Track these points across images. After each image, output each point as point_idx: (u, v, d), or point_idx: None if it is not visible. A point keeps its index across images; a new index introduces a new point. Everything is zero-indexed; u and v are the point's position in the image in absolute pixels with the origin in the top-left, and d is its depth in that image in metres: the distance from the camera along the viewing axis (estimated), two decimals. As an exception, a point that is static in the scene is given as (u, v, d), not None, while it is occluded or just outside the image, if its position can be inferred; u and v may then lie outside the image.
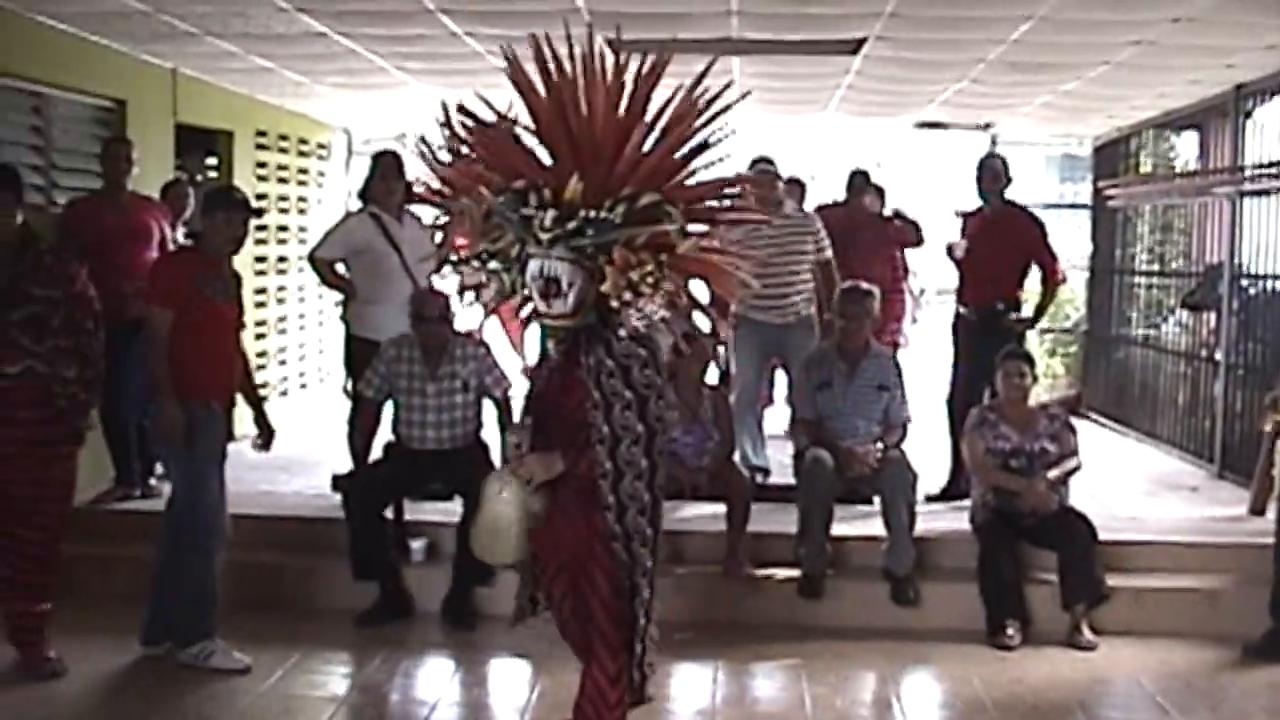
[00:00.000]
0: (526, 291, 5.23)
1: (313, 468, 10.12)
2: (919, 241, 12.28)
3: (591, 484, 5.35)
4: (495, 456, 8.34)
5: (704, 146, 5.33)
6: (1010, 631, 7.81)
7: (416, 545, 8.49)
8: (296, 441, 10.39)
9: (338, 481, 8.98)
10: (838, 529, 8.29)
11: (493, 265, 5.24)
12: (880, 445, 8.28)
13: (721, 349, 9.98)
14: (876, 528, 8.24)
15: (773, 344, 9.67)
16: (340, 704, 6.91)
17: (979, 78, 10.78)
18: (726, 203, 5.61)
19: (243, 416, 7.74)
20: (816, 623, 8.04)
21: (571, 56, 5.23)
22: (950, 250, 10.03)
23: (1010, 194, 9.75)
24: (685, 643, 7.74)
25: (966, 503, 8.60)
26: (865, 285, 8.71)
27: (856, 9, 8.43)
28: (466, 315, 10.58)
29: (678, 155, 5.27)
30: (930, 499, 9.16)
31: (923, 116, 13.72)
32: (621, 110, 5.18)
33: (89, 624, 7.69)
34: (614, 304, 5.14)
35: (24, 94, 9.20)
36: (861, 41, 9.33)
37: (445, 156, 5.43)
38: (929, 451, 9.47)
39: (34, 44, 8.95)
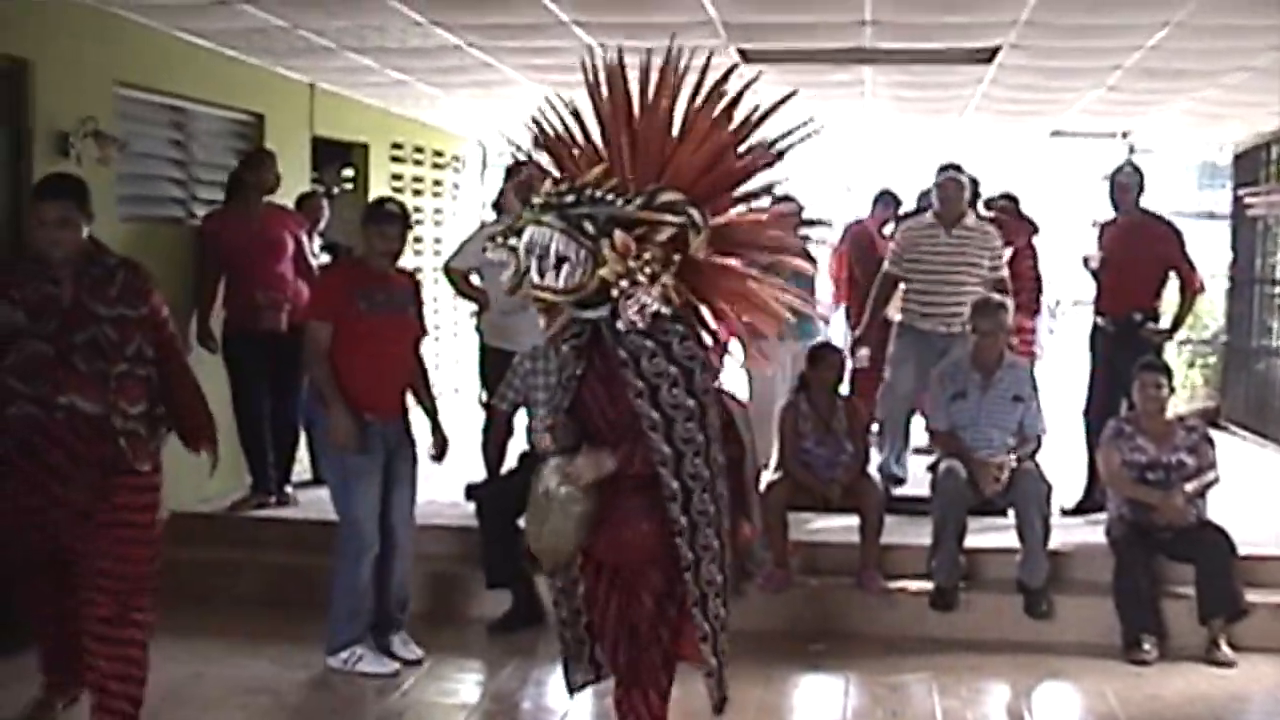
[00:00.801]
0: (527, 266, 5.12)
1: (447, 477, 10.20)
2: (1034, 231, 12.10)
3: (648, 478, 5.26)
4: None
5: (762, 165, 5.35)
6: (1146, 646, 7.71)
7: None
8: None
9: (472, 491, 9.03)
10: (971, 541, 8.23)
11: (512, 242, 5.12)
12: (1014, 457, 8.21)
13: (863, 352, 9.98)
14: (1010, 540, 8.16)
15: (936, 354, 9.35)
16: (472, 711, 6.96)
17: (1116, 85, 10.66)
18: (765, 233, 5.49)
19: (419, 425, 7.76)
20: (949, 635, 7.98)
21: (650, 68, 5.23)
22: (1086, 261, 9.92)
23: (1147, 203, 9.62)
24: (818, 654, 7.75)
25: (1102, 516, 8.49)
26: (998, 297, 8.65)
27: (991, 18, 8.37)
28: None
29: (725, 168, 5.24)
30: (1066, 512, 9.06)
31: (1058, 125, 13.60)
32: (681, 123, 5.18)
33: (222, 628, 7.84)
34: (614, 292, 4.99)
35: (165, 108, 9.36)
36: (996, 50, 9.26)
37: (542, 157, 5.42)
38: (1065, 464, 9.38)
39: (175, 60, 9.11)
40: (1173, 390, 8.36)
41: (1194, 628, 7.86)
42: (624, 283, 4.92)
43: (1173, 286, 9.52)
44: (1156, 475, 8.06)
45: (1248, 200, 13.68)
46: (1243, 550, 7.95)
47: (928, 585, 8.15)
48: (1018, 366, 8.58)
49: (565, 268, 4.97)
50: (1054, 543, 8.17)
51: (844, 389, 8.78)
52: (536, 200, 5.04)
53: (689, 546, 5.45)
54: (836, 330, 12.35)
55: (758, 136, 5.34)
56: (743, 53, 9.55)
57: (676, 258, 4.99)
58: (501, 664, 7.58)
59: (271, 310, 9.04)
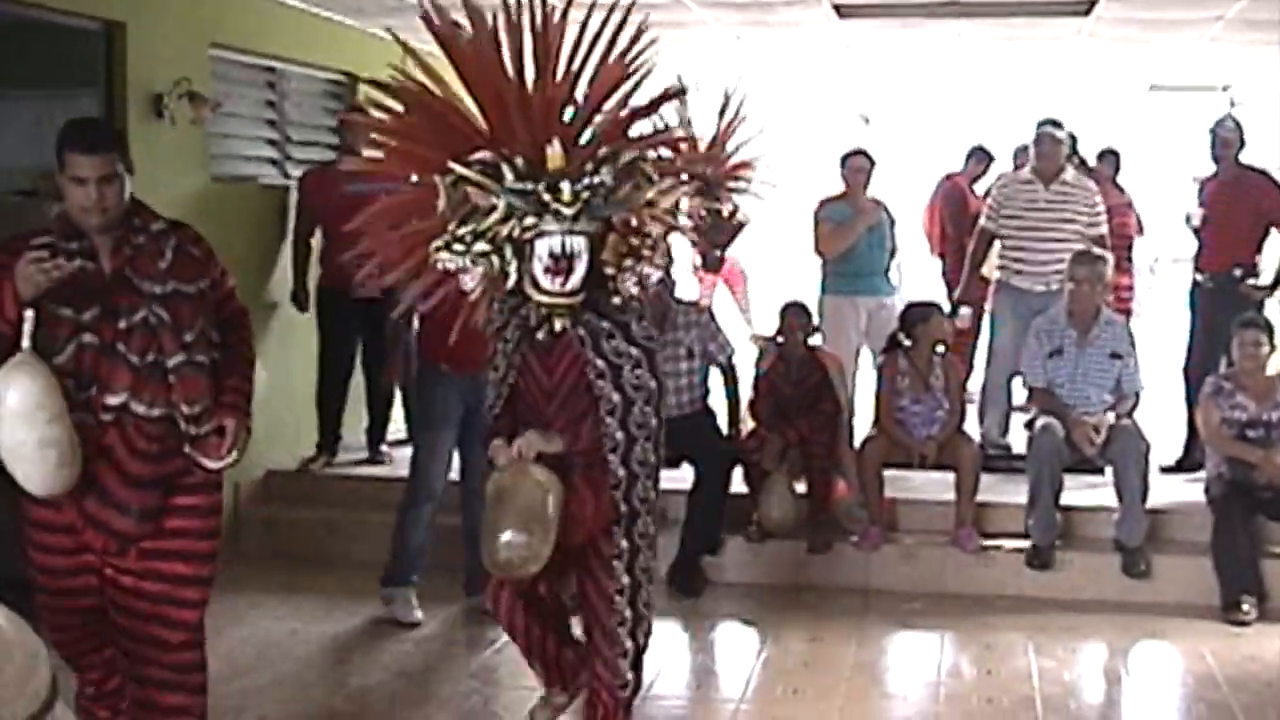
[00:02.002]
0: (514, 274, 4.85)
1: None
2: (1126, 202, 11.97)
3: (598, 461, 5.12)
4: (723, 423, 8.39)
5: (660, 99, 5.19)
6: (1245, 607, 7.60)
7: (643, 511, 8.52)
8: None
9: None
10: (1068, 499, 8.16)
11: (479, 248, 4.81)
12: (1112, 414, 8.13)
13: (965, 311, 9.89)
14: (1108, 498, 8.08)
15: (1034, 313, 9.05)
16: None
17: (1217, 36, 10.50)
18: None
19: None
20: (1045, 594, 7.92)
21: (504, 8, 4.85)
22: (1189, 218, 9.78)
23: (1247, 157, 9.47)
24: (913, 613, 7.74)
25: (1201, 474, 8.39)
26: (1097, 250, 8.56)
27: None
28: (689, 283, 10.68)
29: (628, 107, 5.01)
30: (1165, 470, 8.96)
31: (1157, 79, 13.43)
32: (563, 64, 4.86)
33: (318, 586, 7.97)
34: (611, 270, 4.88)
35: (258, 69, 9.42)
36: (1094, 2, 9.15)
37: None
38: (1164, 422, 9.29)
39: (268, 20, 9.17)
40: (1274, 347, 8.22)
41: (1295, 589, 7.76)
42: (628, 260, 4.87)
43: (1274, 242, 9.38)
44: (1257, 433, 7.96)
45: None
46: (1345, 510, 7.84)
47: (1024, 543, 8.09)
48: (1115, 323, 8.48)
49: (580, 267, 4.82)
50: (1152, 501, 8.06)
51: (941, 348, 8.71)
52: (566, 209, 4.72)
53: (625, 535, 5.21)
54: (933, 286, 12.24)
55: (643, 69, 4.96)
56: (837, 8, 9.50)
57: (646, 214, 4.91)
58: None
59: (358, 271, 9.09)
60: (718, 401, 8.45)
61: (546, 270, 4.81)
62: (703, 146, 10.51)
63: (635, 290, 4.96)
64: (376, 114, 5.21)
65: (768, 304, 8.77)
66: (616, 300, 5.00)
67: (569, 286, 4.84)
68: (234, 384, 4.92)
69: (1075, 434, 8.01)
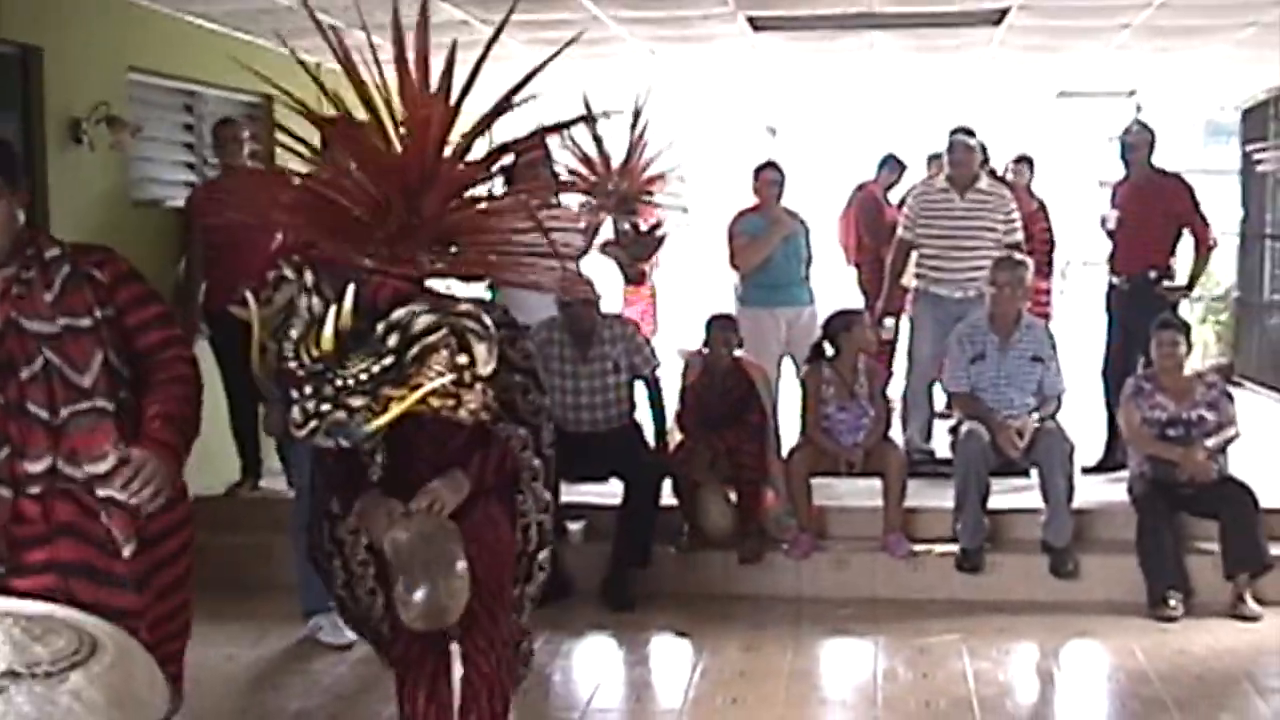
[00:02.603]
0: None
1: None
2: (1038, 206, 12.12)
3: (499, 487, 4.85)
4: (649, 436, 8.41)
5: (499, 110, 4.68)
6: (1172, 603, 7.72)
7: (574, 527, 8.53)
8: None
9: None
10: (995, 502, 8.24)
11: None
12: (1036, 417, 8.22)
13: (890, 321, 9.95)
14: (1034, 500, 8.18)
15: (953, 320, 9.19)
16: (506, 684, 6.97)
17: (1124, 44, 10.65)
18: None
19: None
20: (976, 597, 8.00)
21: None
22: (1104, 220, 9.92)
23: (1156, 160, 9.61)
24: (846, 619, 7.79)
25: (1124, 474, 8.51)
26: (1018, 255, 8.66)
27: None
28: (611, 297, 10.71)
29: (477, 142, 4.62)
30: (1087, 470, 9.05)
31: (1065, 85, 13.59)
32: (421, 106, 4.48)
33: (254, 610, 7.92)
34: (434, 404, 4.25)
35: (177, 92, 9.36)
36: (1005, 12, 9.26)
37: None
38: (1084, 423, 9.40)
39: (186, 43, 9.11)
40: (1190, 347, 8.35)
41: (1219, 583, 7.86)
42: (437, 409, 4.26)
43: (1186, 244, 9.52)
44: (1177, 431, 8.07)
45: (1257, 156, 13.69)
46: (1265, 504, 7.95)
47: (953, 548, 8.18)
48: (1036, 327, 8.59)
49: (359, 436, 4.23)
50: (1077, 502, 8.18)
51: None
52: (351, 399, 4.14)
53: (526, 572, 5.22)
54: (850, 295, 12.33)
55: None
56: (751, 20, 9.56)
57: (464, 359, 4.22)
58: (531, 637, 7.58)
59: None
60: (643, 415, 8.47)
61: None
62: (615, 162, 10.59)
63: (483, 413, 4.34)
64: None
65: (689, 317, 8.78)
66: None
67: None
68: (155, 411, 4.09)
69: (1000, 438, 8.10)
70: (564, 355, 8.28)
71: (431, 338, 4.13)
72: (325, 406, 4.10)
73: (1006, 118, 16.06)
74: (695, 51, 11.20)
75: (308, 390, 4.09)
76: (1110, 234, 9.79)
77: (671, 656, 7.55)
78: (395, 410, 4.13)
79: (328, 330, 4.05)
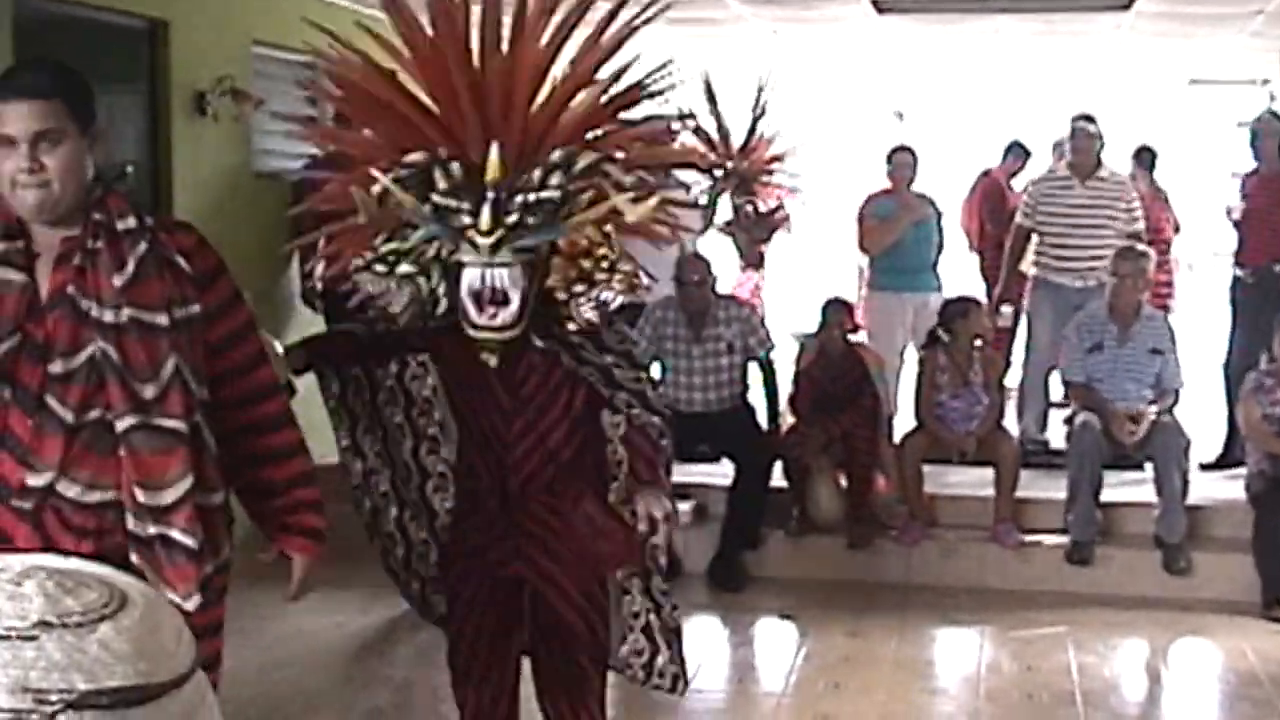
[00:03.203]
0: (445, 300, 4.19)
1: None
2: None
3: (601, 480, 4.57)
4: (762, 418, 8.40)
5: (639, 87, 4.40)
6: (1288, 604, 7.61)
7: (684, 507, 8.54)
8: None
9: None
10: (1108, 495, 8.13)
11: (404, 269, 4.15)
12: (1153, 408, 8.12)
13: (1007, 309, 9.86)
14: (1148, 494, 8.06)
15: (1072, 309, 9.07)
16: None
17: (1258, 30, 10.48)
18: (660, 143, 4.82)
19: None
20: (1085, 590, 7.91)
21: None
22: (1229, 212, 9.77)
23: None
24: (953, 608, 7.74)
25: (1242, 470, 8.37)
26: (1140, 246, 8.55)
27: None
28: (730, 278, 10.72)
29: (606, 98, 4.33)
30: (1205, 466, 8.93)
31: (1196, 73, 13.40)
32: (531, 48, 4.20)
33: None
34: (562, 295, 4.22)
35: (301, 66, 9.43)
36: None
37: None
38: (1204, 418, 9.27)
39: (310, 18, 9.19)
40: (1316, 342, 8.21)
41: (1338, 586, 7.74)
42: (580, 286, 4.22)
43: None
44: (1299, 429, 7.95)
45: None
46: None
47: (1064, 540, 8.09)
48: (1156, 319, 8.48)
49: (517, 298, 4.09)
50: (1193, 498, 8.07)
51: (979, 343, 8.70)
52: (482, 241, 4.02)
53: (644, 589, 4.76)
54: (972, 282, 12.25)
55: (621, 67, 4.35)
56: (875, 3, 9.51)
57: (609, 229, 4.24)
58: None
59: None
60: (756, 397, 8.47)
61: (475, 302, 4.10)
62: (737, 142, 10.61)
63: (593, 317, 4.28)
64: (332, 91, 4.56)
65: (810, 300, 8.77)
66: (572, 327, 4.28)
67: (500, 320, 4.10)
68: (297, 490, 3.59)
69: (1113, 424, 7.99)
70: (678, 335, 8.30)
71: (589, 169, 4.14)
72: (512, 217, 4.02)
73: (1136, 105, 15.87)
74: (818, 33, 11.17)
75: (485, 212, 3.99)
76: (1236, 225, 9.63)
77: (776, 639, 7.57)
78: (584, 215, 4.11)
79: (494, 155, 4.01)
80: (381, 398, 4.74)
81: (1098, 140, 9.42)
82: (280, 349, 4.27)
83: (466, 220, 4.03)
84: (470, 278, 4.07)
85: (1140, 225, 9.30)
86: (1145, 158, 11.89)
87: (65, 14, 7.30)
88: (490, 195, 4.02)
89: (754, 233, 10.42)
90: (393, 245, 4.14)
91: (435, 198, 4.06)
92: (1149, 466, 8.10)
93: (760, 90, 10.65)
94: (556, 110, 4.24)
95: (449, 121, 4.19)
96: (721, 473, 8.30)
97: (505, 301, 4.07)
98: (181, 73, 7.90)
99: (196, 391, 3.32)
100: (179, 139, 7.82)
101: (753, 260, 10.78)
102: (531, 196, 4.05)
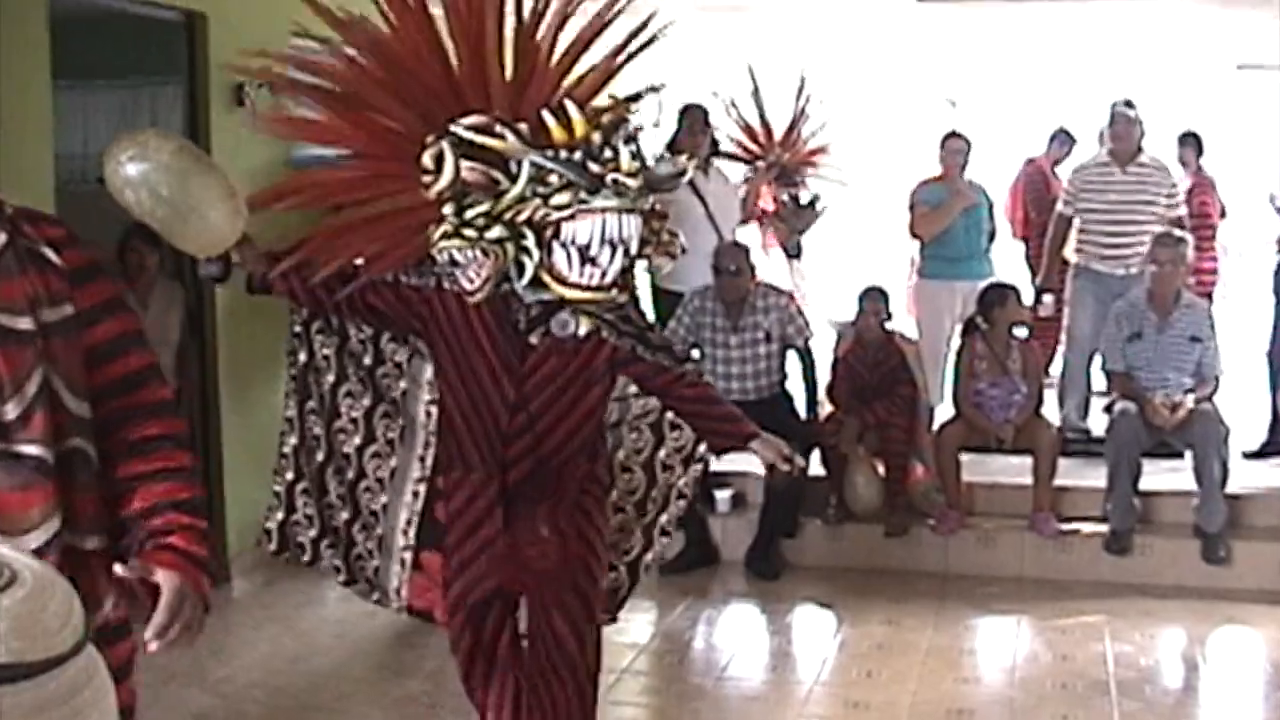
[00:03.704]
0: (531, 266, 3.88)
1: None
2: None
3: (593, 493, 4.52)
4: (800, 407, 8.39)
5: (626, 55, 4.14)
6: (1328, 593, 7.56)
7: (722, 495, 8.56)
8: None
9: (646, 432, 9.06)
10: (1147, 483, 8.11)
11: (495, 233, 3.84)
12: (1191, 396, 8.06)
13: (1049, 297, 9.80)
14: (1188, 483, 8.01)
15: (1113, 296, 8.95)
16: (642, 650, 7.03)
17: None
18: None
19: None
20: (1123, 579, 7.87)
21: None
22: (1273, 198, 9.70)
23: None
24: (990, 597, 7.73)
25: (1284, 459, 8.34)
26: (1178, 232, 8.49)
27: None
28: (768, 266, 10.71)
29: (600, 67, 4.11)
30: (1248, 455, 8.88)
31: (1244, 59, 13.29)
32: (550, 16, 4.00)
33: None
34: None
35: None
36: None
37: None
38: (1247, 406, 9.21)
39: (347, 7, 9.24)
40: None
41: (1379, 575, 7.69)
42: (646, 249, 4.01)
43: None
44: (1341, 418, 7.89)
45: None
46: None
47: (1102, 528, 8.05)
48: (1196, 307, 8.41)
49: (633, 251, 3.90)
50: (1233, 486, 8.00)
51: (1022, 332, 8.66)
52: (630, 181, 3.78)
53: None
54: (1015, 270, 12.21)
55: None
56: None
57: None
58: (673, 604, 7.63)
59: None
60: (794, 385, 8.46)
61: (583, 259, 3.85)
62: (779, 133, 10.60)
63: (636, 287, 4.24)
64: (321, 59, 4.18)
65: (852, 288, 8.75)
66: (622, 298, 4.04)
67: (607, 279, 3.88)
68: (169, 505, 2.74)
69: (1148, 409, 7.94)
70: (716, 324, 8.30)
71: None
72: (639, 160, 3.84)
73: (1184, 91, 15.75)
74: (861, 20, 11.14)
75: (625, 152, 3.81)
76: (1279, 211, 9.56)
77: (812, 627, 7.58)
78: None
79: (575, 113, 3.79)
80: (344, 389, 4.71)
81: (1138, 125, 9.36)
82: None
83: (596, 166, 3.78)
84: (595, 228, 3.79)
85: (1182, 211, 9.24)
86: (1190, 143, 11.81)
87: (102, 7, 7.34)
88: (597, 144, 3.80)
89: (793, 223, 10.39)
90: (482, 208, 3.82)
91: (534, 156, 3.78)
92: (1188, 455, 8.04)
93: (803, 81, 10.64)
94: (559, 76, 4.02)
95: (475, 94, 3.94)
96: (758, 462, 8.29)
97: (624, 254, 3.85)
98: (219, 65, 7.93)
99: (74, 409, 2.65)
100: (217, 130, 7.85)
101: (792, 250, 10.76)
102: (634, 144, 3.86)
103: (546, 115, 3.78)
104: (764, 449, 4.65)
